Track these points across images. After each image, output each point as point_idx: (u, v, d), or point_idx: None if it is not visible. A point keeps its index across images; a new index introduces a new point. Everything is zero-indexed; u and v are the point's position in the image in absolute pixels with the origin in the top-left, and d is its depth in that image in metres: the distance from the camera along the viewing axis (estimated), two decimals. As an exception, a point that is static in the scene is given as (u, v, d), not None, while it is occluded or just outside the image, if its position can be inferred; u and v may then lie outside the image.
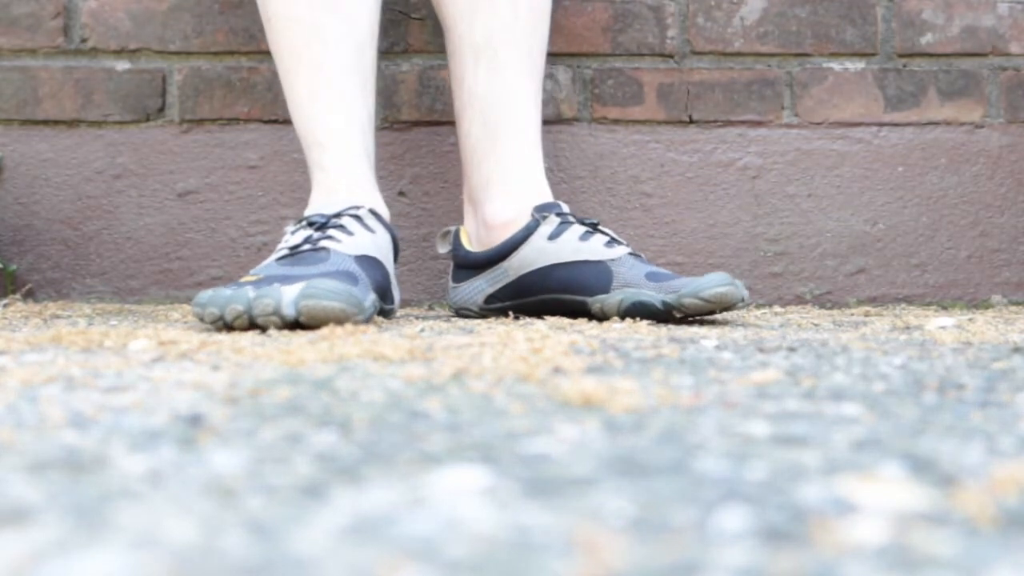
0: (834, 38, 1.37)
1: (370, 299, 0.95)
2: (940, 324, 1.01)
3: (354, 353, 0.70)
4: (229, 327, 0.88)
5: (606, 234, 1.11)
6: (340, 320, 0.87)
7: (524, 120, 1.15)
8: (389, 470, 0.37)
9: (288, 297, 0.87)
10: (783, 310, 1.29)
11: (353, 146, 1.09)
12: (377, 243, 1.04)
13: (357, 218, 1.04)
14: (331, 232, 1.02)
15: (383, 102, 1.36)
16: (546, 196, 1.15)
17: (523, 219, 1.12)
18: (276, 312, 0.86)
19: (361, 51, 1.10)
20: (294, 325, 0.88)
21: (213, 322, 0.88)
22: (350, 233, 1.02)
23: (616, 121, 1.37)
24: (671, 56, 1.37)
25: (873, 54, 1.37)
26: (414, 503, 0.33)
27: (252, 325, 0.88)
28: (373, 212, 1.06)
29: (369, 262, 1.01)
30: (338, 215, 1.04)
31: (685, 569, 0.27)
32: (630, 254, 1.08)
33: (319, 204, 1.06)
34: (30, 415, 0.48)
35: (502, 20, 1.14)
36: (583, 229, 1.10)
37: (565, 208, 1.13)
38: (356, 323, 0.89)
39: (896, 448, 0.41)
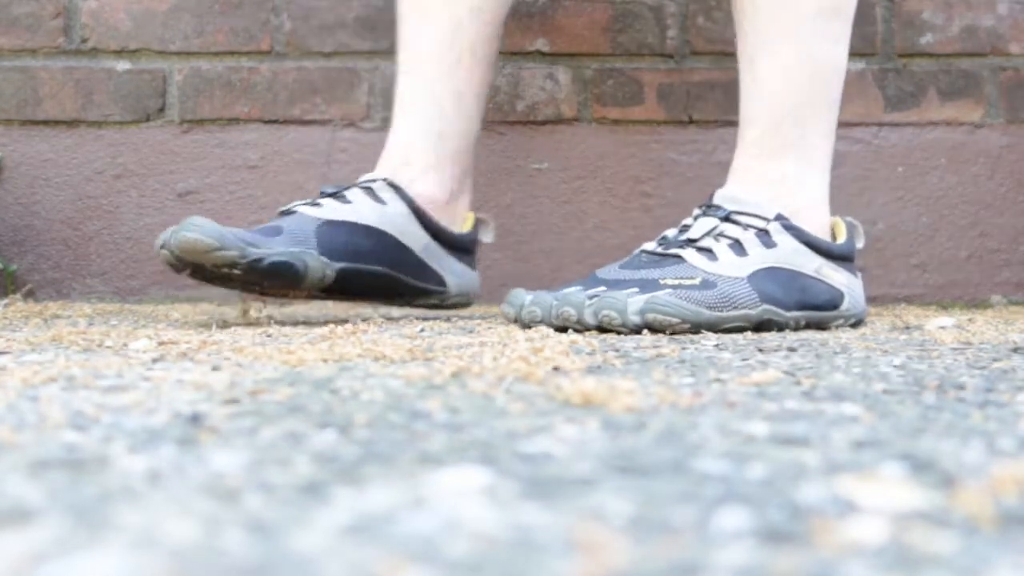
0: (834, 38, 1.37)
1: (280, 254, 0.95)
2: (940, 324, 1.01)
3: (354, 353, 0.70)
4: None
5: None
6: (205, 250, 0.91)
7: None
8: (389, 470, 0.37)
9: (164, 235, 0.93)
10: (783, 310, 1.29)
11: (415, 122, 1.09)
12: (385, 214, 1.04)
13: (368, 189, 1.05)
14: (323, 200, 1.03)
15: (383, 102, 1.36)
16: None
17: None
18: (165, 245, 0.93)
19: (456, 28, 1.09)
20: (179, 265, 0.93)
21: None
22: (347, 202, 1.03)
23: (616, 121, 1.37)
24: (671, 56, 1.37)
25: (873, 54, 1.37)
26: (414, 503, 0.33)
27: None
28: (393, 185, 1.05)
29: (348, 229, 1.01)
30: (350, 187, 1.05)
31: (685, 569, 0.27)
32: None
33: (364, 175, 1.09)
34: (30, 415, 0.48)
35: None
36: None
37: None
38: (244, 266, 0.92)
39: (896, 448, 0.41)
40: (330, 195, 1.04)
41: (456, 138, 1.10)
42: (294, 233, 0.98)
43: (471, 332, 0.89)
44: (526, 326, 0.92)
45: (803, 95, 1.01)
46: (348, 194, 1.04)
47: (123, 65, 1.36)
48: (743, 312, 0.92)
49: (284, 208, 1.03)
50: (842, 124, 1.37)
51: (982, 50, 1.37)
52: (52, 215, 1.37)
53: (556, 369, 0.63)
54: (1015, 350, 0.77)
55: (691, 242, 0.97)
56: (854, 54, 1.37)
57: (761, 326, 0.93)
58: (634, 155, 1.37)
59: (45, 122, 1.36)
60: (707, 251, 0.96)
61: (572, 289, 0.91)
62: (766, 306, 0.93)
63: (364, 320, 1.05)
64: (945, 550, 0.28)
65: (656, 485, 0.35)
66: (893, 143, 1.38)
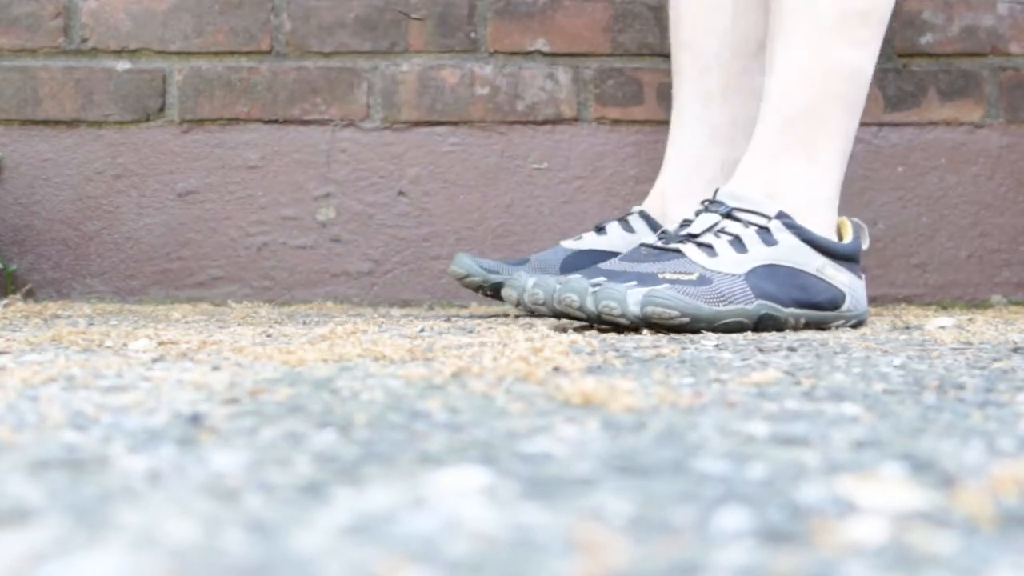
0: (834, 38, 1.37)
1: (508, 277, 1.13)
2: (940, 324, 1.01)
3: (354, 353, 0.70)
4: None
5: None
6: (462, 277, 1.17)
7: None
8: (389, 470, 0.37)
9: None
10: (783, 310, 1.29)
11: (674, 156, 1.19)
12: (628, 241, 1.17)
13: (624, 221, 1.19)
14: (587, 235, 1.21)
15: (383, 102, 1.36)
16: None
17: None
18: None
19: (705, 71, 1.18)
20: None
21: None
22: (603, 233, 1.20)
23: (616, 121, 1.37)
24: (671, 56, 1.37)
25: (873, 54, 1.37)
26: (414, 503, 0.33)
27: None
28: (643, 214, 1.19)
29: (591, 256, 1.17)
30: (615, 219, 1.22)
31: (685, 569, 0.27)
32: None
33: None
34: (30, 415, 0.48)
35: None
36: None
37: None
38: (476, 285, 1.17)
39: (896, 448, 0.41)
40: (598, 227, 1.20)
41: (715, 165, 1.18)
42: (540, 262, 1.17)
43: (471, 332, 0.89)
44: (529, 311, 0.93)
45: (816, 97, 1.01)
46: (608, 226, 1.19)
47: (123, 65, 1.36)
48: (739, 307, 0.92)
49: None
50: (842, 124, 1.37)
51: (982, 50, 1.37)
52: (52, 215, 1.37)
53: (556, 369, 0.63)
54: (1015, 350, 0.77)
55: (692, 237, 0.97)
56: (854, 54, 1.37)
57: (761, 324, 0.94)
58: (634, 155, 1.37)
59: (45, 122, 1.36)
60: (707, 247, 0.96)
61: (575, 276, 0.91)
62: (762, 302, 0.94)
63: (364, 320, 1.05)
64: (945, 550, 0.28)
65: (656, 485, 0.35)
66: (893, 143, 1.38)
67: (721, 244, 0.96)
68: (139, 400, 0.52)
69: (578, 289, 0.89)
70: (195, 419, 0.47)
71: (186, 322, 1.04)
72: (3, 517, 0.31)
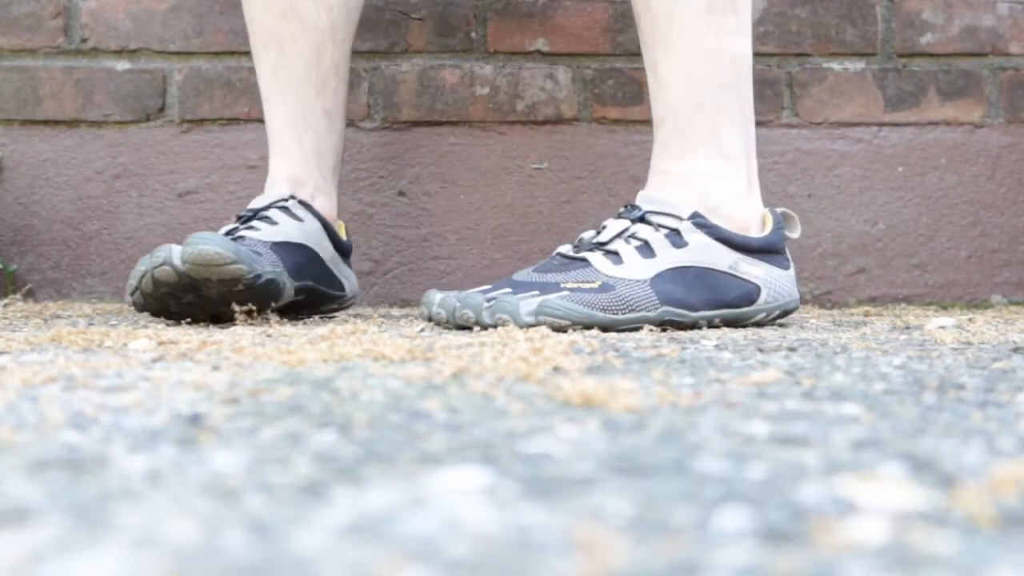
0: (834, 38, 1.37)
1: (271, 271, 0.96)
2: (940, 324, 1.01)
3: (354, 353, 0.70)
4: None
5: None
6: (219, 264, 0.91)
7: None
8: (389, 470, 0.37)
9: (176, 250, 0.92)
10: (783, 310, 1.29)
11: (299, 146, 1.12)
12: (305, 230, 1.07)
13: (284, 208, 1.08)
14: (254, 223, 1.06)
15: (383, 102, 1.36)
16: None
17: None
18: (167, 262, 0.92)
19: (319, 52, 1.11)
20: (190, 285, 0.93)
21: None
22: (274, 223, 1.06)
23: (616, 121, 1.37)
24: (671, 56, 1.37)
25: (873, 54, 1.37)
26: (414, 503, 0.33)
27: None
28: (303, 203, 1.09)
29: (289, 248, 1.05)
30: (266, 207, 1.08)
31: (685, 569, 0.27)
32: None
33: (256, 200, 1.10)
34: (30, 415, 0.48)
35: None
36: None
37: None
38: (247, 282, 0.93)
39: (896, 448, 0.41)
40: (253, 218, 1.07)
41: (332, 154, 1.15)
42: (270, 255, 1.01)
43: (471, 332, 0.89)
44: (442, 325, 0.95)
45: (706, 91, 1.01)
46: (271, 215, 1.07)
47: (123, 65, 1.36)
48: (640, 315, 0.93)
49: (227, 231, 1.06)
50: (842, 124, 1.37)
51: (982, 50, 1.37)
52: (52, 215, 1.37)
53: (556, 369, 0.63)
54: (1015, 350, 0.77)
55: (601, 245, 0.98)
56: (854, 54, 1.37)
57: (665, 325, 0.95)
58: (634, 155, 1.37)
59: (45, 122, 1.36)
60: (613, 254, 0.96)
61: (475, 291, 0.93)
62: (667, 308, 0.94)
63: (364, 320, 1.05)
64: (945, 550, 0.28)
65: (656, 485, 0.35)
66: (893, 143, 1.38)
67: (628, 250, 0.96)
68: (139, 400, 0.52)
69: (473, 305, 0.91)
70: (195, 419, 0.47)
71: (187, 322, 1.04)
72: (3, 517, 0.31)
